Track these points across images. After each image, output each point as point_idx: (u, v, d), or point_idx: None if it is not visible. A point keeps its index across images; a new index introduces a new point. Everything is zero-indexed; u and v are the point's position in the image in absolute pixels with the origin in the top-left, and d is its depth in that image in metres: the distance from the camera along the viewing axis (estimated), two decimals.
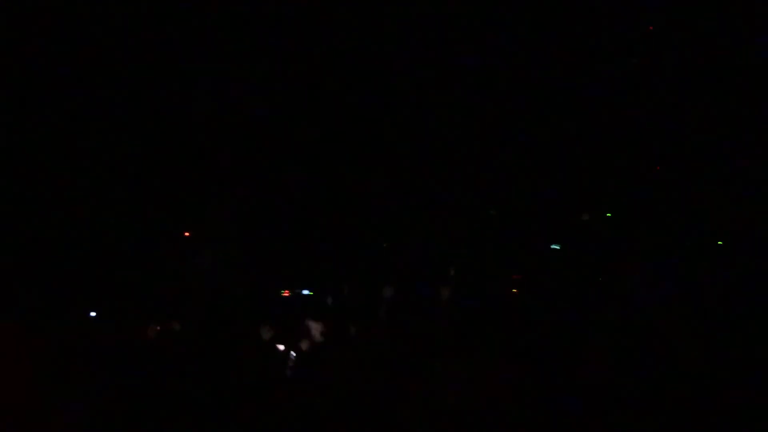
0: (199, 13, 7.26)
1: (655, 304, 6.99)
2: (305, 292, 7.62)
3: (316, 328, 7.45)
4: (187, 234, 7.53)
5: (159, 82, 7.29)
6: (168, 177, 7.48)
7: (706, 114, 7.29)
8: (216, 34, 7.29)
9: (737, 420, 6.10)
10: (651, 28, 7.39)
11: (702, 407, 6.24)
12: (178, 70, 7.30)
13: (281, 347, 7.26)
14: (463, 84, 7.50)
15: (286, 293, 7.60)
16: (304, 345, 7.37)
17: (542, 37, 7.41)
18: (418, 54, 7.42)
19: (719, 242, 7.28)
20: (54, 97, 7.17)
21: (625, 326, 6.87)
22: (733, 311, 6.68)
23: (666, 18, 7.31)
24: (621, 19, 7.37)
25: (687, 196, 7.36)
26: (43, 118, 7.14)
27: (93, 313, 7.37)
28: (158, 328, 7.41)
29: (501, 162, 7.53)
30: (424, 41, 7.42)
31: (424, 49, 7.41)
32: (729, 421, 6.12)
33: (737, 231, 7.21)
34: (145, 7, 7.13)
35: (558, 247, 7.38)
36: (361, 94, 7.49)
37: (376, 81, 7.44)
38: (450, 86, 7.51)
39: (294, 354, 7.11)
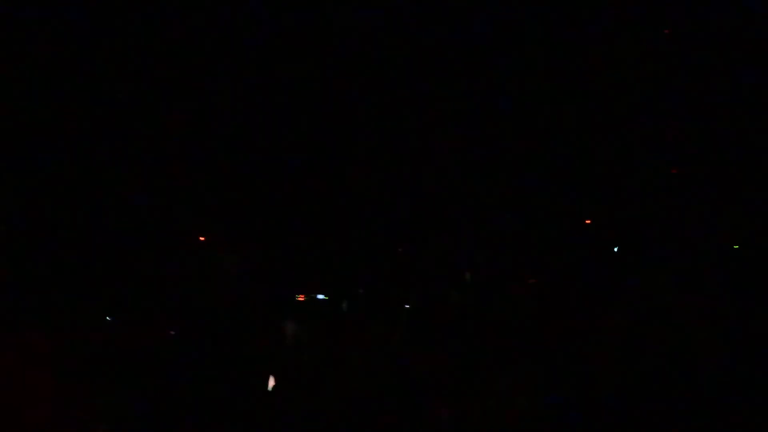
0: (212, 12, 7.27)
1: (670, 308, 6.99)
2: (320, 296, 7.61)
3: (330, 333, 7.44)
4: (202, 238, 7.52)
5: (169, 81, 7.29)
6: (183, 181, 7.47)
7: (723, 116, 7.28)
8: (230, 32, 7.29)
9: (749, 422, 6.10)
10: (667, 31, 7.40)
11: (717, 409, 6.24)
12: (189, 69, 7.29)
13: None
14: (479, 86, 7.49)
15: (300, 298, 7.59)
16: (318, 350, 7.36)
17: (561, 40, 7.40)
18: (435, 54, 7.41)
19: (735, 246, 7.27)
20: (61, 96, 7.18)
21: (641, 329, 6.87)
22: (747, 314, 6.67)
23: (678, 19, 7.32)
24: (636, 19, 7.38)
25: (702, 198, 7.34)
26: (51, 119, 7.14)
27: (108, 318, 7.38)
28: (172, 332, 7.42)
29: (516, 166, 7.52)
30: (442, 41, 7.42)
31: (442, 48, 7.40)
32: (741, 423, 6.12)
33: (751, 234, 7.19)
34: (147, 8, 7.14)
35: (616, 249, 7.37)
36: (376, 97, 7.48)
37: (389, 83, 7.43)
38: (465, 88, 7.50)
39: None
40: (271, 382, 7.18)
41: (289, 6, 7.42)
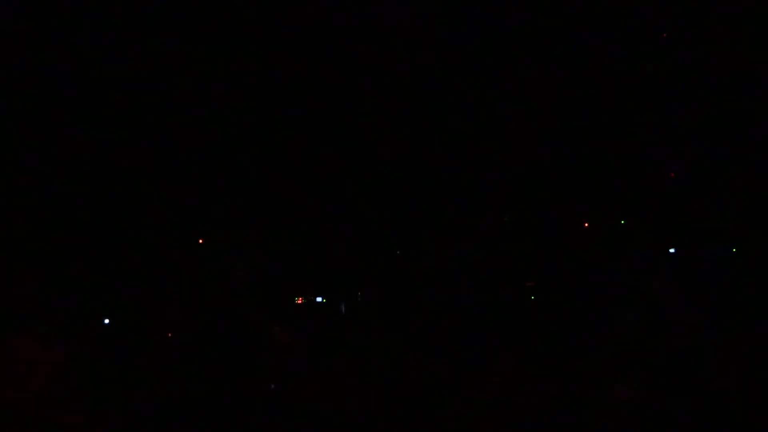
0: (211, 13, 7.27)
1: (671, 310, 6.99)
2: (318, 299, 7.62)
3: (328, 335, 7.46)
4: (200, 241, 7.53)
5: (171, 82, 7.30)
6: (182, 183, 7.48)
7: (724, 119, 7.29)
8: (232, 34, 7.29)
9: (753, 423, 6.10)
10: (665, 35, 7.41)
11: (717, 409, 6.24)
12: (190, 70, 7.30)
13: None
14: (477, 88, 7.50)
15: (299, 300, 7.60)
16: (317, 351, 7.37)
17: (559, 42, 7.41)
18: (430, 56, 7.41)
19: (734, 249, 7.29)
20: (62, 97, 7.18)
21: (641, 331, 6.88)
22: (750, 315, 6.69)
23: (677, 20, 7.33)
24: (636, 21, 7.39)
25: (702, 201, 7.36)
26: (51, 120, 7.14)
27: (106, 321, 7.38)
28: (169, 334, 7.42)
29: (515, 168, 7.53)
30: (444, 42, 7.42)
31: (440, 50, 7.41)
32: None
33: (752, 237, 7.21)
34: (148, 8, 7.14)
35: (674, 251, 7.36)
36: (373, 98, 7.49)
37: (387, 85, 7.44)
38: (463, 90, 7.51)
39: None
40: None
41: (288, 6, 7.43)
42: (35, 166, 7.21)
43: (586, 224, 7.50)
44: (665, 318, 6.94)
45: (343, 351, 7.34)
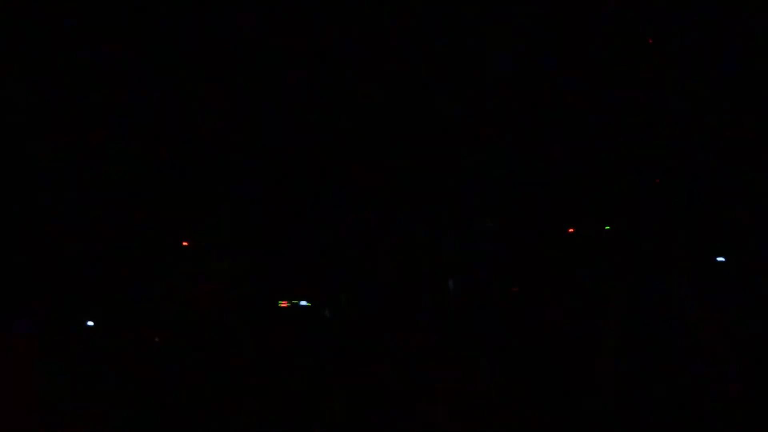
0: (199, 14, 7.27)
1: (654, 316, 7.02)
2: (303, 303, 7.62)
3: (314, 339, 7.47)
4: (185, 243, 7.53)
5: (156, 82, 7.30)
6: (166, 185, 7.48)
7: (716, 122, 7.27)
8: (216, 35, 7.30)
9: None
10: (651, 41, 7.40)
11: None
12: (177, 70, 7.30)
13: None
14: (461, 88, 7.50)
15: (283, 304, 7.60)
16: (301, 356, 7.38)
17: (551, 44, 7.41)
18: (419, 51, 7.41)
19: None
20: (47, 96, 7.18)
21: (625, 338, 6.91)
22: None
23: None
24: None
25: (690, 205, 7.36)
26: (35, 120, 7.14)
27: (90, 323, 7.39)
28: (156, 338, 7.44)
29: (498, 171, 7.53)
30: (431, 39, 7.41)
31: (428, 45, 7.40)
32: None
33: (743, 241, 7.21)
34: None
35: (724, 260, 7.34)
36: (360, 102, 7.49)
37: (374, 86, 7.44)
38: (448, 90, 7.51)
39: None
40: None
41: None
42: (15, 164, 7.22)
43: (571, 230, 7.50)
44: (647, 325, 6.97)
45: (326, 353, 7.36)
